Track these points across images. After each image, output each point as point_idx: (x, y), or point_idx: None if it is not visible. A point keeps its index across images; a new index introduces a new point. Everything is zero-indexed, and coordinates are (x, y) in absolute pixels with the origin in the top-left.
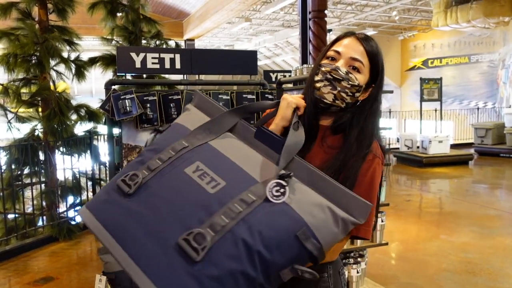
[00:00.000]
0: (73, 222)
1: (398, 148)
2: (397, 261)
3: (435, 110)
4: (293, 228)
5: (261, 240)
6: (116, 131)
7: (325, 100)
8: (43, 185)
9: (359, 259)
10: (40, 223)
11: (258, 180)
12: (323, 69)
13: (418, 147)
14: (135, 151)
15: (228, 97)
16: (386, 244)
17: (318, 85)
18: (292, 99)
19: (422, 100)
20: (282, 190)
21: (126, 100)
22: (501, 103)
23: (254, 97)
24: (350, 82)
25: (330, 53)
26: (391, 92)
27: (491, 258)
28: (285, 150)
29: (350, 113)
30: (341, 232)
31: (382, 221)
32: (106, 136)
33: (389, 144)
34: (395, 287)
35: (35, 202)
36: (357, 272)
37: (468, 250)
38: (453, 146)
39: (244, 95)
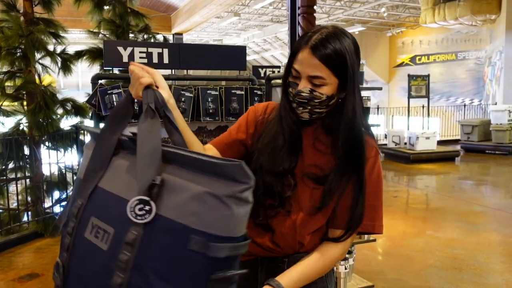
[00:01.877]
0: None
1: (385, 144)
2: (384, 257)
3: (423, 107)
4: (180, 243)
5: (157, 278)
6: (103, 126)
7: (303, 119)
8: (28, 180)
9: (347, 255)
10: (25, 218)
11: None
12: (290, 90)
13: (405, 143)
14: None
15: (217, 93)
16: (374, 240)
17: (293, 105)
18: (143, 75)
19: (410, 96)
20: (147, 207)
21: (113, 95)
22: (487, 100)
23: (243, 92)
24: (316, 100)
25: (292, 71)
26: (380, 89)
27: (476, 254)
28: (140, 156)
29: (332, 116)
30: (238, 207)
31: None
32: None
33: (376, 141)
34: (383, 283)
35: (20, 197)
36: (345, 269)
37: (454, 246)
38: (440, 143)
39: (233, 91)
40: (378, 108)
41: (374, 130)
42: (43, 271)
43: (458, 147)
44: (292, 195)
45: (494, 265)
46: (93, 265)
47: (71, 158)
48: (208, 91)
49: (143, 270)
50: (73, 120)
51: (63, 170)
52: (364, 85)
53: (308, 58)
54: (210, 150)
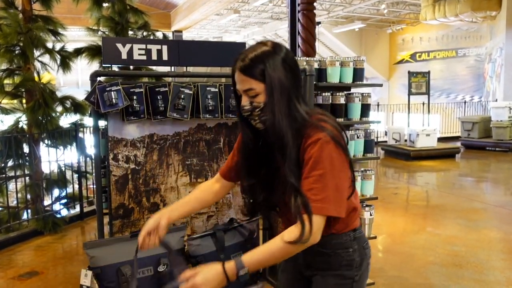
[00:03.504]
0: (58, 216)
1: (386, 141)
2: (384, 254)
3: (423, 104)
4: None
5: None
6: (102, 123)
7: (260, 129)
8: (27, 178)
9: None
10: (24, 216)
11: None
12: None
13: (405, 140)
14: (121, 144)
15: (216, 90)
16: (375, 237)
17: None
18: (148, 245)
19: (410, 93)
20: None
21: (112, 92)
22: (487, 97)
23: None
24: (256, 111)
25: (237, 92)
26: (380, 85)
27: (477, 251)
28: None
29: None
30: None
31: (370, 215)
32: (91, 129)
33: (377, 138)
34: (383, 280)
35: (19, 195)
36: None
37: (455, 243)
38: (440, 140)
39: (233, 88)
40: (378, 105)
41: (374, 126)
42: (43, 269)
43: (458, 144)
44: (276, 198)
45: (495, 262)
46: None
47: (70, 156)
48: (208, 88)
49: None
50: (73, 117)
51: (63, 168)
52: (364, 82)
53: (238, 76)
54: (219, 182)
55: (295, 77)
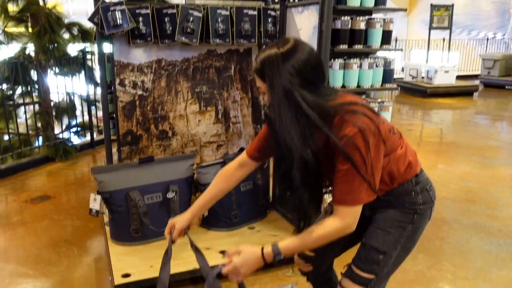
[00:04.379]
0: (69, 143)
1: (402, 78)
2: None
3: (443, 40)
4: None
5: None
6: (108, 48)
7: None
8: (36, 106)
9: None
10: (36, 144)
11: None
12: None
13: (423, 77)
14: (128, 69)
15: (228, 13)
16: None
17: None
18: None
19: (431, 28)
20: None
21: (117, 12)
22: (511, 34)
23: (255, 13)
24: (266, 107)
25: None
26: (405, 10)
27: (490, 188)
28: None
29: None
30: None
31: None
32: (97, 53)
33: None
34: None
35: (29, 122)
36: None
37: (468, 179)
38: (459, 78)
39: (245, 11)
40: (396, 41)
41: (392, 55)
42: (54, 193)
43: (477, 82)
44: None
45: (508, 198)
46: None
47: (79, 84)
48: (218, 11)
49: None
50: (80, 45)
51: (72, 96)
52: (382, 7)
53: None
54: (244, 165)
55: (303, 79)
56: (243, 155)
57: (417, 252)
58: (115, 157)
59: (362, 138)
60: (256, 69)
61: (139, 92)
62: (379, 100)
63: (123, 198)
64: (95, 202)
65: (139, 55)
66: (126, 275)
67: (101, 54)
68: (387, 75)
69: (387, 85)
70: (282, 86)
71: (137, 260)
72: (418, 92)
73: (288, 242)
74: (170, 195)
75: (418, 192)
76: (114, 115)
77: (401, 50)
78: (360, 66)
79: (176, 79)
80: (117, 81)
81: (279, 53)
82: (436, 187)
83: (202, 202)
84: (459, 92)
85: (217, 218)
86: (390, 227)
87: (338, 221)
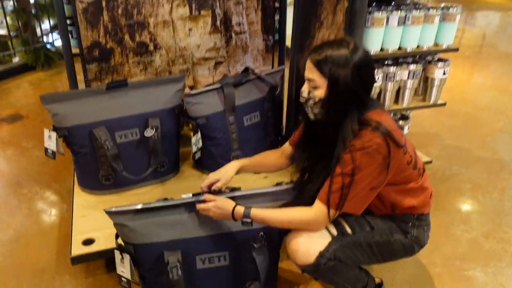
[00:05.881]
0: (52, 49)
1: None
2: (439, 115)
3: None
4: None
5: None
6: None
7: (311, 118)
8: (14, 2)
9: (400, 122)
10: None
11: None
12: None
13: None
14: None
15: None
16: (444, 104)
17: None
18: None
19: None
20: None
21: None
22: None
23: None
24: (310, 101)
25: None
26: None
27: None
28: None
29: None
30: None
31: (444, 74)
32: None
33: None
34: (438, 151)
35: (8, 22)
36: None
37: None
38: None
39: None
40: None
41: None
42: (28, 112)
43: None
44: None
45: None
46: None
47: None
48: None
49: None
50: None
51: None
52: None
53: (308, 63)
54: (285, 155)
55: (362, 83)
56: (286, 146)
57: (470, 213)
58: (81, 78)
59: (363, 155)
60: (318, 61)
61: None
62: (442, 4)
63: (87, 137)
64: (50, 140)
65: None
66: (88, 241)
67: None
68: None
69: None
70: (346, 87)
71: (106, 218)
72: None
73: (260, 211)
74: (148, 132)
75: (415, 226)
76: (74, 21)
77: None
78: None
79: None
80: None
81: (349, 54)
82: (490, 115)
83: (254, 161)
84: None
85: (213, 159)
86: (381, 224)
87: (311, 215)
